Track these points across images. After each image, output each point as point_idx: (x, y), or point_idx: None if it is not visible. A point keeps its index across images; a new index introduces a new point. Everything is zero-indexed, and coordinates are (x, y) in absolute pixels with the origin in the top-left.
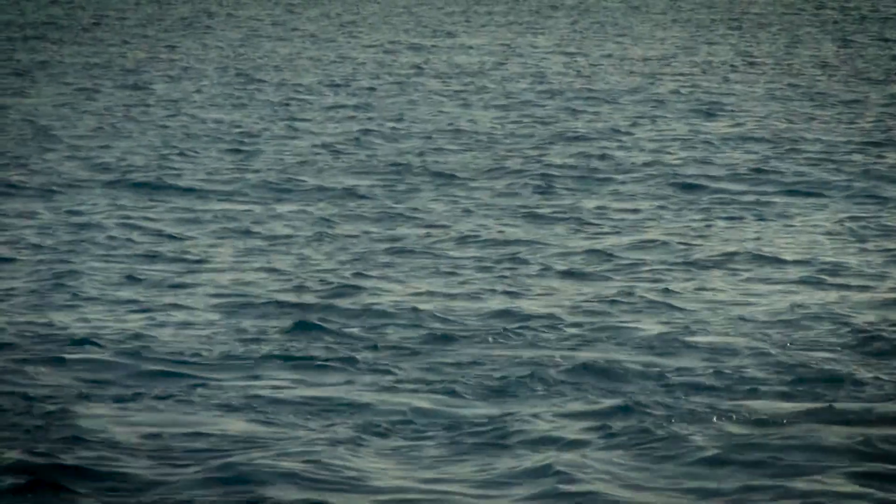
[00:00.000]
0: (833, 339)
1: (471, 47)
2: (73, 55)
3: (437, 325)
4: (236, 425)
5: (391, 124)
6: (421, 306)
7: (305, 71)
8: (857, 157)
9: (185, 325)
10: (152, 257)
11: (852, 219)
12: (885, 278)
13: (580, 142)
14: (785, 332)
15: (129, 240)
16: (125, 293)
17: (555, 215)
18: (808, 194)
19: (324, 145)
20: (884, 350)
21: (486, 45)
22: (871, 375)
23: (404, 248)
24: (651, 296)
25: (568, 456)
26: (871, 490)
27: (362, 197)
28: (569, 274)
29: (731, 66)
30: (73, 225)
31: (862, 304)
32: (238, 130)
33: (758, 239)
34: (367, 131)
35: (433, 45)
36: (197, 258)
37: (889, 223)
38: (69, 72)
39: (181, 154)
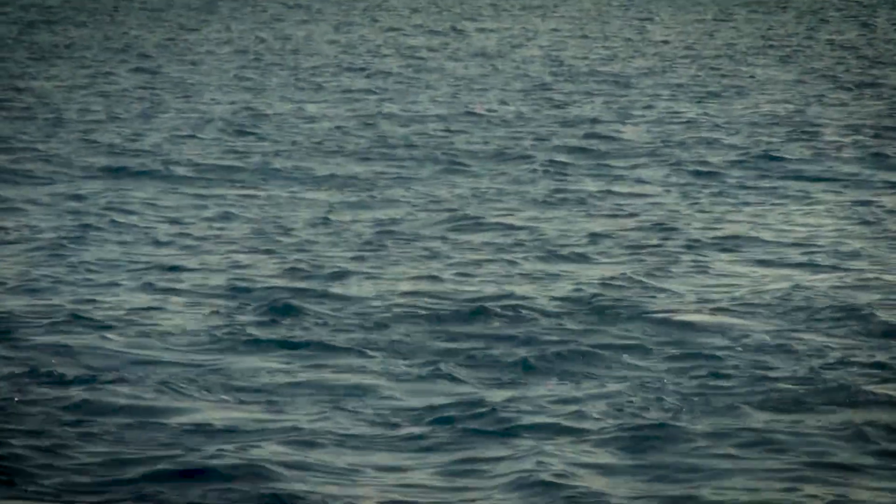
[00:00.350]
0: (841, 324)
1: (493, 30)
2: (91, 38)
3: (438, 310)
4: (223, 412)
5: (405, 108)
6: (425, 289)
7: (324, 55)
8: (871, 140)
9: (182, 310)
10: (157, 241)
11: (864, 203)
12: (894, 262)
13: (593, 125)
14: (792, 317)
15: (131, 224)
16: (124, 276)
17: (564, 199)
18: (821, 179)
19: (337, 128)
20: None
21: (509, 28)
22: (876, 360)
23: (411, 231)
24: (654, 281)
25: (558, 443)
26: (870, 476)
27: (370, 181)
28: (574, 257)
29: (752, 48)
30: (77, 208)
31: (871, 288)
32: (250, 114)
33: (768, 223)
34: (380, 115)
35: (455, 29)
36: (200, 242)
37: None
38: (87, 55)
39: (191, 137)
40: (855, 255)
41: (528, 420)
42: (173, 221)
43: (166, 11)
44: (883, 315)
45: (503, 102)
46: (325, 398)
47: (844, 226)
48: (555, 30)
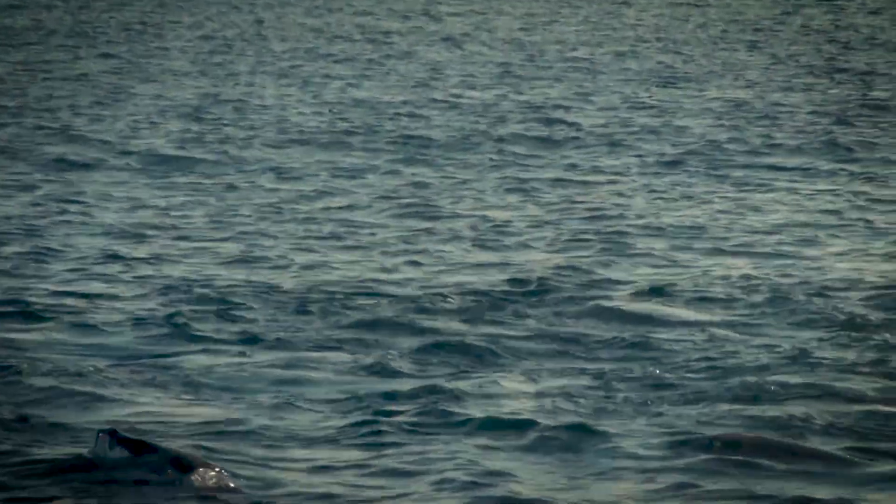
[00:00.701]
0: (798, 315)
1: (465, 14)
2: (60, 22)
3: (389, 300)
4: (168, 406)
5: (371, 95)
6: (377, 278)
7: (294, 39)
8: (834, 128)
9: (130, 301)
10: (109, 230)
11: (825, 192)
12: (860, 250)
13: (557, 111)
14: (747, 308)
15: (84, 213)
16: (73, 266)
17: (522, 187)
18: (783, 168)
19: (299, 115)
20: (859, 324)
21: (483, 13)
22: (835, 352)
23: (366, 221)
24: (609, 271)
25: (499, 440)
26: (824, 472)
27: (329, 169)
28: (529, 246)
29: (725, 33)
30: (29, 197)
31: (830, 278)
32: (214, 101)
33: (727, 211)
34: (344, 102)
35: (428, 13)
36: (154, 231)
37: (869, 194)
38: (53, 40)
39: (152, 124)
40: (814, 243)
41: (472, 415)
42: (127, 210)
43: None
44: (842, 305)
45: (470, 88)
46: (270, 391)
47: (804, 215)
48: (529, 14)
